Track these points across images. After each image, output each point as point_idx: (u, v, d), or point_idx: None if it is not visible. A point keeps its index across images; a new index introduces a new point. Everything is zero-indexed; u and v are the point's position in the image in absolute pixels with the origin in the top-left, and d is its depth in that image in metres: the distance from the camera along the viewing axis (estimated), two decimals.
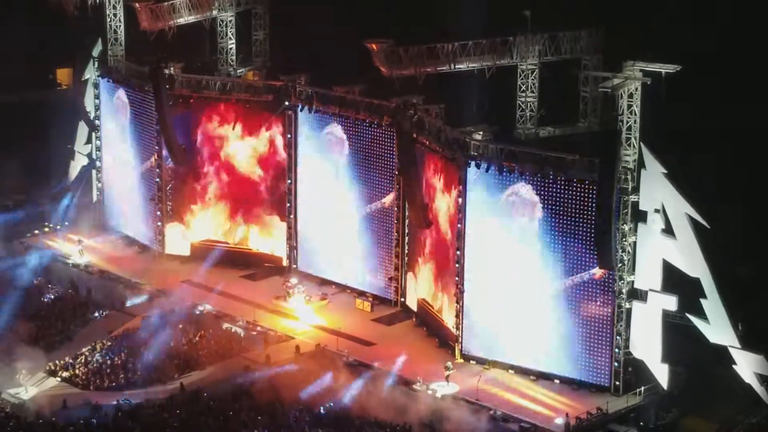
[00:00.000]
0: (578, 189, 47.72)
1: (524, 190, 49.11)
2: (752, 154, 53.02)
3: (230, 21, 66.09)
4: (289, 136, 60.39)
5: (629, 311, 47.33)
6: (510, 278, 50.33)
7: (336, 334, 54.18)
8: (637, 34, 51.39)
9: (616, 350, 47.79)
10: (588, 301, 48.52)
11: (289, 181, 60.91)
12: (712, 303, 45.65)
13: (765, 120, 53.34)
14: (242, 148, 62.52)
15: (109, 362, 52.50)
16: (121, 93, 65.22)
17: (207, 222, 64.05)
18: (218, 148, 63.05)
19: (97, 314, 57.55)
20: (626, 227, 46.63)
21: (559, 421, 45.98)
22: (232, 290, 59.88)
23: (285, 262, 61.79)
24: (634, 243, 46.86)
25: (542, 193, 48.64)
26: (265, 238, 63.00)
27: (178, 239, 64.11)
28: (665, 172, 45.88)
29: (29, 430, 46.64)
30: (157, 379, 50.93)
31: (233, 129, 61.65)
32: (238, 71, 66.52)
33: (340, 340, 53.45)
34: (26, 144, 67.10)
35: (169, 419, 46.91)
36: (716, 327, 45.81)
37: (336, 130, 58.37)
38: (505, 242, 50.24)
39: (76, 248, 64.44)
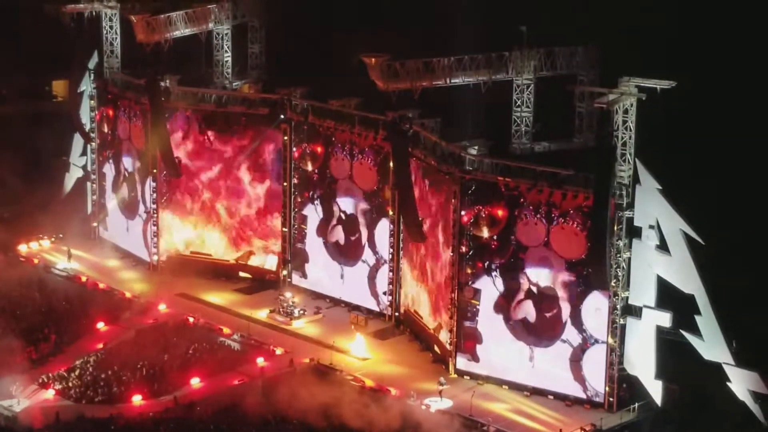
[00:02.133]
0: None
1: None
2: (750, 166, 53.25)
3: (226, 34, 66.27)
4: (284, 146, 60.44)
5: (623, 327, 47.36)
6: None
7: (330, 348, 54.20)
8: (633, 50, 51.39)
9: (611, 366, 47.86)
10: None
11: (285, 186, 60.86)
12: (706, 319, 45.69)
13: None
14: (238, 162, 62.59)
15: (103, 375, 52.39)
16: (122, 108, 65.25)
17: (199, 234, 64.03)
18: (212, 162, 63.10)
19: (92, 326, 57.19)
20: (621, 243, 46.63)
21: None
22: (226, 304, 59.98)
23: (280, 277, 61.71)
24: (629, 259, 46.86)
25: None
26: (259, 251, 63.04)
27: (172, 251, 64.08)
28: (660, 188, 45.95)
29: None
30: (151, 393, 50.92)
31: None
32: (234, 84, 66.60)
33: (335, 355, 53.49)
34: (21, 155, 67.00)
35: None
36: (710, 344, 45.82)
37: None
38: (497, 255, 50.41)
39: (66, 261, 64.46)
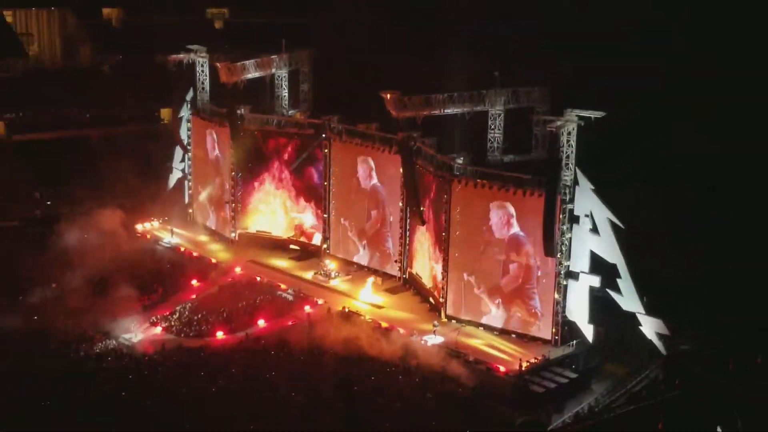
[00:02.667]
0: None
1: (504, 205, 49.22)
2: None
3: (284, 76, 66.14)
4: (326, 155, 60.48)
5: (566, 287, 47.48)
6: (484, 260, 50.50)
7: (357, 299, 54.42)
8: (574, 90, 51.33)
9: (556, 314, 47.94)
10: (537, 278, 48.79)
11: (326, 186, 60.65)
12: (624, 282, 45.87)
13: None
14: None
15: (196, 317, 52.83)
16: (211, 129, 65.25)
17: (265, 217, 63.83)
18: (275, 166, 63.11)
19: (187, 282, 57.62)
20: (564, 227, 46.77)
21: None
22: (283, 267, 59.94)
23: (321, 249, 61.47)
24: (570, 238, 46.99)
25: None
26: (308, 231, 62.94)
27: (245, 230, 64.02)
28: (593, 188, 46.05)
29: (137, 363, 47.19)
30: (229, 330, 51.28)
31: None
32: (289, 112, 66.58)
33: (360, 305, 53.72)
34: (138, 162, 67.36)
35: (238, 359, 47.43)
36: (627, 299, 46.02)
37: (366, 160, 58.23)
38: (478, 236, 50.40)
39: (170, 236, 64.72)
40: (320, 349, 48.35)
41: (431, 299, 53.72)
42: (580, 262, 46.80)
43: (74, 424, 40.58)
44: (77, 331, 49.85)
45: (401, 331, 49.96)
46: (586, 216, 46.17)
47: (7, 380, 44.17)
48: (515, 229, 48.97)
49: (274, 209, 63.39)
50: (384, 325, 50.73)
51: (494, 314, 50.30)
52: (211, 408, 42.27)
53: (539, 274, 48.45)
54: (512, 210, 48.84)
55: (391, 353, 47.75)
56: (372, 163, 57.58)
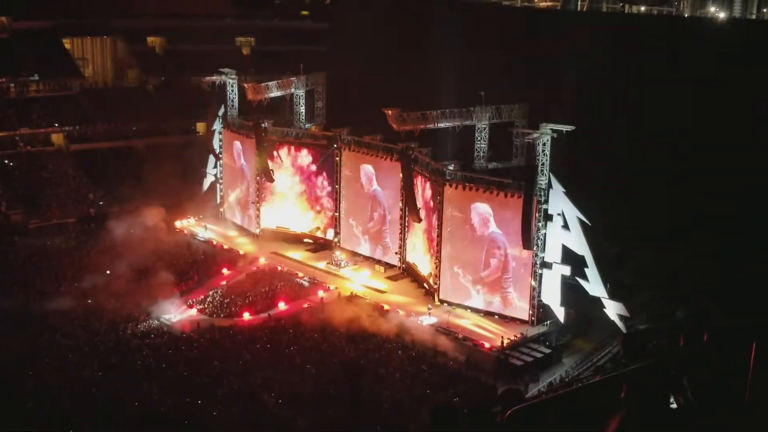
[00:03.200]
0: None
1: (483, 206, 49.06)
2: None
3: (302, 95, 66.10)
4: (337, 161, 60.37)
5: (541, 275, 47.42)
6: (460, 259, 50.33)
7: (362, 285, 54.36)
8: (548, 108, 51.16)
9: (533, 298, 47.91)
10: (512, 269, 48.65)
11: (336, 188, 60.59)
12: (591, 271, 45.72)
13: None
14: (309, 172, 62.39)
15: (226, 301, 52.75)
16: (239, 140, 64.96)
17: (285, 215, 63.67)
18: (295, 172, 62.87)
19: (219, 271, 57.45)
20: (540, 224, 46.69)
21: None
22: (301, 258, 59.77)
23: (333, 242, 61.41)
24: (545, 234, 46.90)
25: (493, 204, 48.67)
26: (323, 227, 62.76)
27: (268, 225, 63.88)
28: (564, 191, 45.95)
29: (176, 340, 47.13)
30: (255, 311, 51.24)
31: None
32: (306, 126, 66.55)
33: (365, 290, 53.62)
34: (177, 167, 67.35)
35: (262, 336, 47.35)
36: (593, 285, 45.88)
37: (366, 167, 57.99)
38: (464, 232, 50.28)
39: (204, 231, 64.67)
40: (331, 328, 48.24)
41: (426, 285, 53.54)
42: (553, 253, 46.70)
43: (123, 391, 40.52)
44: (124, 313, 49.84)
45: (401, 312, 49.92)
46: (559, 215, 46.08)
47: (64, 353, 44.17)
48: (493, 228, 48.79)
49: (292, 208, 63.23)
50: (386, 307, 50.65)
51: (476, 299, 50.15)
52: (238, 377, 42.17)
53: (514, 265, 48.27)
54: (490, 211, 48.64)
55: (391, 332, 47.67)
56: (372, 171, 57.38)
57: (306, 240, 62.28)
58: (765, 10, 65.70)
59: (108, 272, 55.28)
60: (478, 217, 49.17)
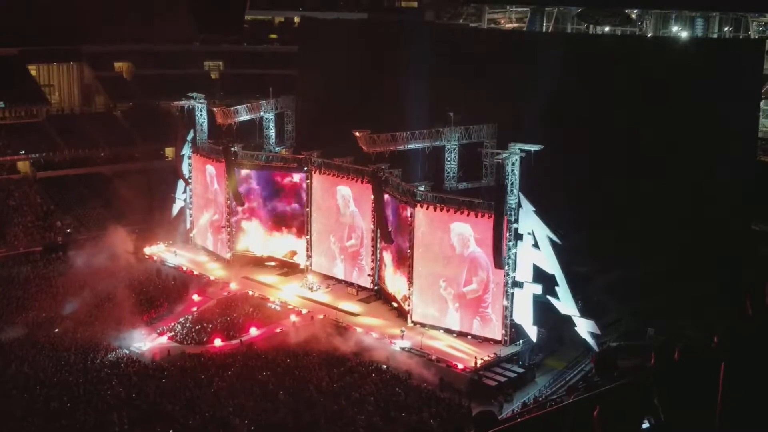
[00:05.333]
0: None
1: (462, 226, 48.98)
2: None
3: (271, 118, 66.06)
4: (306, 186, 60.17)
5: (513, 294, 47.46)
6: (441, 274, 50.32)
7: (335, 309, 53.95)
8: (516, 128, 51.44)
9: (505, 318, 47.84)
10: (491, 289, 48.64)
11: (307, 211, 60.34)
12: (562, 289, 45.96)
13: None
14: (277, 196, 62.12)
15: (197, 327, 52.17)
16: (208, 164, 64.63)
17: (256, 240, 63.33)
18: (263, 196, 62.57)
19: (189, 297, 56.91)
20: (511, 243, 46.80)
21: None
22: (272, 282, 59.17)
23: (304, 265, 61.03)
24: (516, 253, 47.00)
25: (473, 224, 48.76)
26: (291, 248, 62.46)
27: (239, 250, 63.44)
28: (534, 209, 46.19)
29: (146, 368, 46.51)
30: (226, 338, 50.73)
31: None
32: (276, 149, 66.41)
33: (338, 313, 53.21)
34: (146, 193, 66.76)
35: (234, 362, 46.82)
36: (564, 303, 46.10)
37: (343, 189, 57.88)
38: (440, 251, 50.26)
39: (173, 257, 64.02)
40: (304, 352, 47.81)
41: (398, 307, 53.35)
42: (524, 273, 46.78)
43: (92, 422, 39.76)
44: (93, 342, 49.09)
45: (374, 335, 49.61)
46: (529, 234, 46.26)
47: (32, 385, 43.31)
48: (473, 247, 48.82)
49: (261, 233, 62.86)
50: (359, 330, 50.33)
51: (451, 318, 49.99)
52: (210, 406, 41.59)
53: (493, 286, 48.26)
54: (471, 231, 48.71)
55: (366, 354, 47.37)
56: (349, 193, 57.28)
57: (268, 264, 61.73)
58: (726, 29, 67.03)
59: (76, 301, 54.44)
60: (457, 237, 49.12)
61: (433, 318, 50.68)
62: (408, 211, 51.28)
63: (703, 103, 52.63)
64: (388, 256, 55.30)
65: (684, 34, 66.88)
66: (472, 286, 49.09)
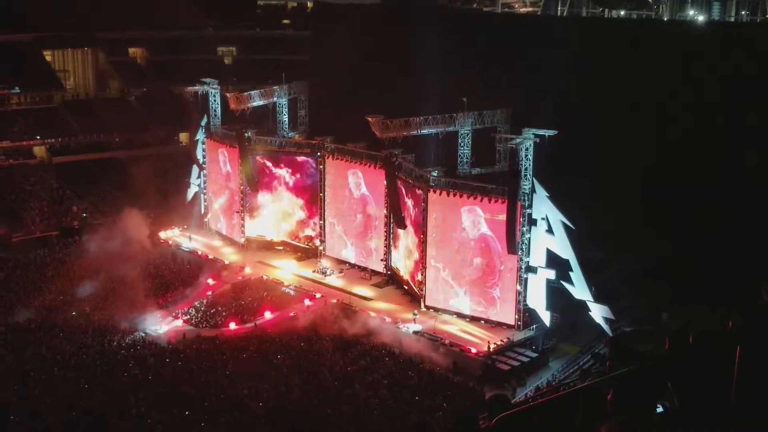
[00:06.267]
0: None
1: (476, 209, 48.94)
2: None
3: (285, 104, 66.10)
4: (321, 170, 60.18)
5: (526, 279, 47.46)
6: (455, 259, 50.33)
7: (348, 293, 54.13)
8: (530, 113, 51.21)
9: (519, 302, 47.89)
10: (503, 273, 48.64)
11: (321, 196, 60.34)
12: (576, 274, 45.82)
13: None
14: (291, 181, 62.20)
15: (212, 311, 52.48)
16: (222, 149, 64.71)
17: (269, 224, 63.41)
18: (278, 181, 62.67)
19: (204, 281, 57.11)
20: (524, 228, 46.78)
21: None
22: (287, 267, 59.48)
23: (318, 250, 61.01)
24: (529, 238, 46.99)
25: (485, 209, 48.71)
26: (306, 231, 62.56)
27: (252, 235, 63.60)
28: (548, 195, 46.07)
29: (163, 351, 46.84)
30: (240, 321, 50.99)
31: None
32: (289, 134, 66.46)
33: (351, 298, 53.41)
34: (161, 178, 67.18)
35: (248, 346, 47.12)
36: (578, 289, 45.96)
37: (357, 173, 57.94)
38: (452, 237, 50.26)
39: (188, 242, 64.32)
40: (318, 336, 48.04)
41: (411, 292, 53.43)
42: (537, 258, 46.77)
43: (110, 404, 40.15)
44: (110, 325, 49.53)
45: (387, 319, 49.76)
46: (543, 219, 46.19)
47: (50, 367, 43.76)
48: (484, 229, 48.79)
49: (276, 217, 62.97)
50: (372, 314, 50.48)
51: (462, 301, 50.04)
52: (225, 388, 41.89)
53: (502, 268, 48.23)
54: (482, 213, 48.65)
55: (379, 338, 47.56)
56: (360, 175, 57.34)
57: (278, 248, 62.08)
58: (743, 13, 66.27)
59: (92, 285, 54.85)
60: (469, 220, 49.10)
61: (445, 300, 50.73)
62: (421, 197, 51.21)
63: (721, 88, 52.09)
64: (400, 241, 55.35)
65: (701, 18, 66.18)
66: (472, 267, 49.17)
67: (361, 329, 48.34)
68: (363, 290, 54.79)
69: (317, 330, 48.64)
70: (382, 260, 56.84)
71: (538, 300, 46.97)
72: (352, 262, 58.71)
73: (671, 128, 53.96)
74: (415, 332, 48.02)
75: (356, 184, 57.81)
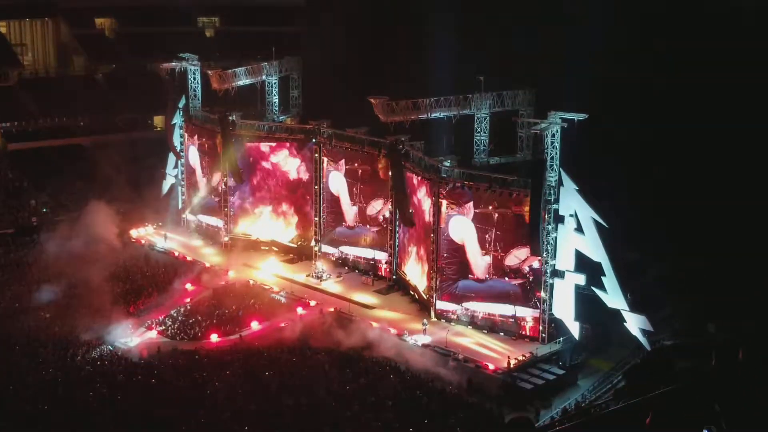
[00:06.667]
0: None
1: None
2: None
3: (274, 83, 66.07)
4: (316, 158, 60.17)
5: (552, 285, 47.44)
6: (470, 262, 50.34)
7: (348, 301, 54.12)
8: (558, 93, 51.20)
9: (543, 312, 47.80)
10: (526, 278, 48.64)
11: (316, 189, 60.33)
12: (609, 279, 45.83)
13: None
14: (282, 171, 62.25)
15: (190, 321, 52.47)
16: (203, 135, 64.80)
17: (257, 222, 63.54)
18: (267, 173, 62.79)
19: (182, 286, 57.01)
20: (550, 227, 46.74)
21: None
22: (276, 270, 59.53)
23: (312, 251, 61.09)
24: (555, 238, 46.93)
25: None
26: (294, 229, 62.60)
27: (237, 234, 63.70)
28: (577, 188, 46.06)
29: (134, 367, 46.80)
30: (223, 333, 50.99)
31: None
32: (280, 118, 66.48)
33: (351, 306, 53.40)
34: (132, 169, 67.29)
35: (232, 361, 47.11)
36: (612, 296, 45.98)
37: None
38: (466, 236, 50.28)
39: (164, 241, 64.37)
40: (312, 350, 48.10)
41: (420, 299, 53.50)
42: (565, 261, 46.73)
43: (71, 427, 40.24)
44: (73, 337, 49.51)
45: (392, 331, 49.83)
46: (571, 216, 46.17)
47: (4, 385, 43.86)
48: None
49: (264, 213, 63.07)
50: (374, 325, 50.54)
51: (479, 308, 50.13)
52: (205, 410, 41.94)
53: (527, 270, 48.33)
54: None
55: (383, 353, 47.62)
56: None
57: (264, 248, 62.25)
58: None
59: (53, 290, 54.92)
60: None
61: (458, 310, 50.73)
62: (432, 190, 51.22)
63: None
64: (408, 241, 55.35)
65: None
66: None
67: (362, 342, 48.39)
68: (364, 297, 54.80)
69: (311, 343, 48.66)
70: (386, 263, 56.86)
71: (565, 309, 46.93)
72: (352, 264, 58.72)
73: (719, 110, 53.76)
74: (425, 345, 48.02)
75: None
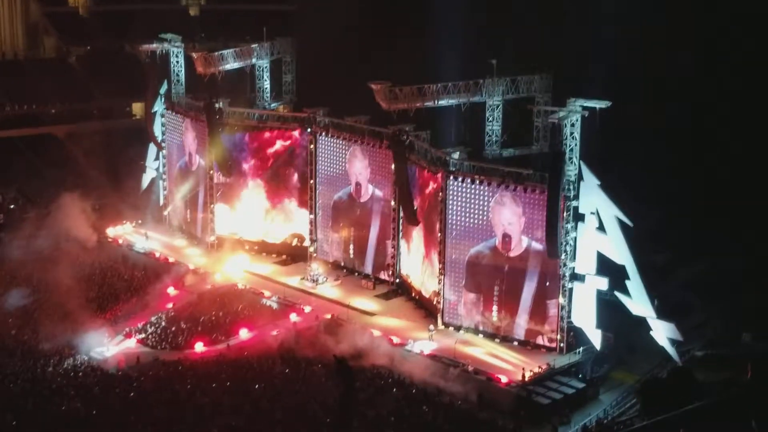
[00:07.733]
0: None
1: (507, 198, 48.97)
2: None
3: (266, 67, 66.15)
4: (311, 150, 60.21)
5: (571, 290, 47.44)
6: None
7: (346, 306, 54.12)
8: (579, 78, 51.22)
9: (561, 319, 47.74)
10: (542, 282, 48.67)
11: (311, 184, 60.47)
12: (634, 284, 45.90)
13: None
14: (274, 166, 62.42)
15: (173, 328, 52.58)
16: (187, 122, 64.80)
17: (244, 219, 63.66)
18: (257, 165, 62.89)
19: (163, 290, 57.06)
20: (569, 226, 46.74)
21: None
22: (267, 273, 59.67)
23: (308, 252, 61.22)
24: (575, 238, 46.93)
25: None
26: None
27: (224, 233, 63.81)
28: (599, 183, 46.07)
29: (111, 378, 46.88)
30: (210, 341, 51.08)
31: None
32: (272, 105, 66.53)
33: (350, 312, 53.36)
34: (109, 161, 67.34)
35: (219, 372, 47.17)
36: (637, 302, 46.05)
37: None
38: (476, 236, 50.32)
39: (144, 240, 64.44)
40: (306, 360, 48.15)
41: (426, 305, 53.58)
42: (586, 263, 46.75)
43: None
44: (43, 346, 49.52)
45: (395, 340, 49.87)
46: (592, 213, 46.21)
47: None
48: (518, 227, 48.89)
49: (254, 211, 63.19)
50: (376, 333, 50.58)
51: (494, 320, 50.19)
52: (189, 426, 42.05)
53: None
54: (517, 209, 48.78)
55: (383, 363, 47.66)
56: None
57: (266, 248, 62.23)
58: None
59: (21, 295, 54.96)
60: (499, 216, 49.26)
61: (467, 317, 50.81)
62: (439, 184, 51.32)
63: None
64: (411, 242, 55.48)
65: None
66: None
67: (361, 351, 48.39)
68: (364, 302, 54.87)
69: (306, 353, 48.69)
70: (388, 266, 56.96)
71: (586, 316, 46.94)
72: (350, 267, 58.89)
73: (755, 98, 53.83)
74: (431, 356, 48.04)
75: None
